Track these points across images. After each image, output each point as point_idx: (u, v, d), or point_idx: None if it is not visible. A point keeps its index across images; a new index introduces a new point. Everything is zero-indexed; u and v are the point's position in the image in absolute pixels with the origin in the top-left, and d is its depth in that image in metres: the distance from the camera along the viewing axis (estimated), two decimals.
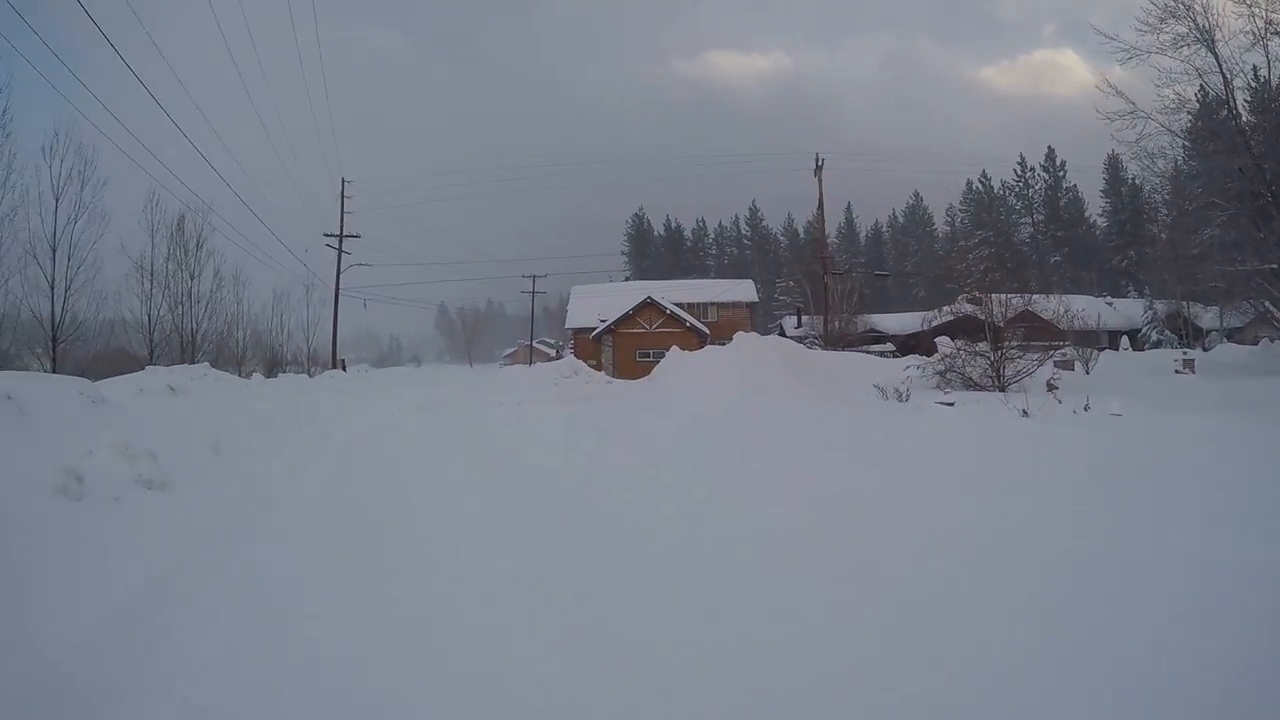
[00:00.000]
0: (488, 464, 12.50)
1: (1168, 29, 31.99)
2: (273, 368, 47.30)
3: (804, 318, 68.15)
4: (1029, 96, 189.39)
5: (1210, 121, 35.90)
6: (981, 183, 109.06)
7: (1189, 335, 52.65)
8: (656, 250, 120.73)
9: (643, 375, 40.32)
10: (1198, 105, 35.37)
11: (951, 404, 17.38)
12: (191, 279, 39.23)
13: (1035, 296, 30.68)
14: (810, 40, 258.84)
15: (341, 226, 49.47)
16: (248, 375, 34.20)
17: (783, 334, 73.09)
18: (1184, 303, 55.54)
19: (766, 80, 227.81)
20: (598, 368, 44.01)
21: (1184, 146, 42.73)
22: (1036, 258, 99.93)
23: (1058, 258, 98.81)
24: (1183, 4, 31.29)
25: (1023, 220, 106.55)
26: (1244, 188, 33.71)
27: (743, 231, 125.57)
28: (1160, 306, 59.75)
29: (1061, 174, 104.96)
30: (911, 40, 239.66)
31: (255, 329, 49.80)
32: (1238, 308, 49.91)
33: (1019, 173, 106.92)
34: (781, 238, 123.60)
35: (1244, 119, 34.41)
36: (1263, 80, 33.61)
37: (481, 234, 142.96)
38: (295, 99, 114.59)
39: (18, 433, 8.99)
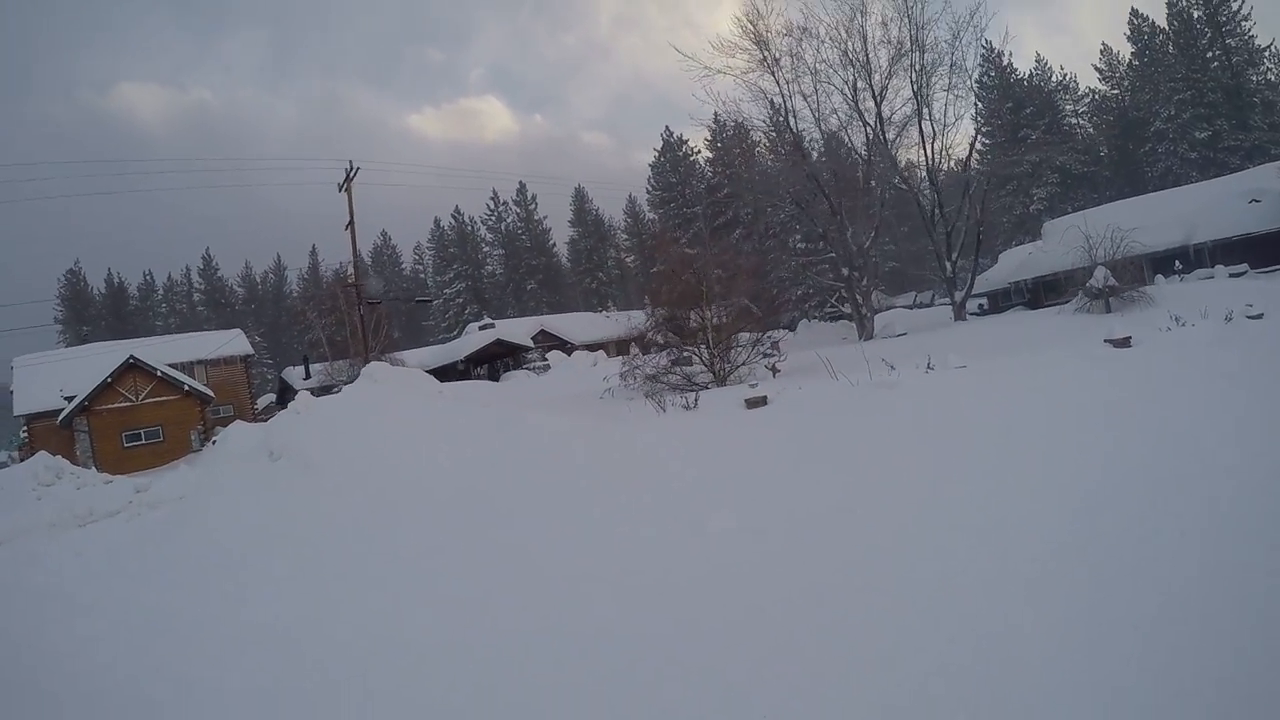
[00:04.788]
0: None
1: (741, 56, 40.04)
2: None
3: (311, 366, 58.48)
4: (465, 141, 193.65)
5: (780, 134, 43.72)
6: (455, 218, 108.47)
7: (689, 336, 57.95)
8: (97, 313, 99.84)
9: (137, 467, 29.99)
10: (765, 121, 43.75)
11: (765, 399, 15.43)
12: None
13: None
14: (239, 81, 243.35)
15: None
16: None
17: (285, 388, 62.88)
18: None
19: (189, 119, 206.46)
20: (76, 464, 30.83)
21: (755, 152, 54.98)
22: (514, 286, 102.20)
23: (533, 284, 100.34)
24: (756, 34, 39.70)
25: (497, 252, 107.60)
26: (805, 190, 41.98)
27: (195, 283, 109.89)
28: (660, 313, 63.26)
29: (533, 206, 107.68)
30: (346, 84, 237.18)
31: None
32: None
33: (492, 207, 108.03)
34: (239, 288, 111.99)
35: (799, 134, 42.25)
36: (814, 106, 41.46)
37: None
38: None
39: None
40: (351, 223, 39.94)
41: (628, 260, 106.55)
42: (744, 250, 50.51)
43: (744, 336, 26.35)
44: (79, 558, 12.53)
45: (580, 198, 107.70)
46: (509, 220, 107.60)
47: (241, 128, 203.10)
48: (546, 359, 54.31)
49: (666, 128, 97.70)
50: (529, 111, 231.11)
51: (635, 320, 61.82)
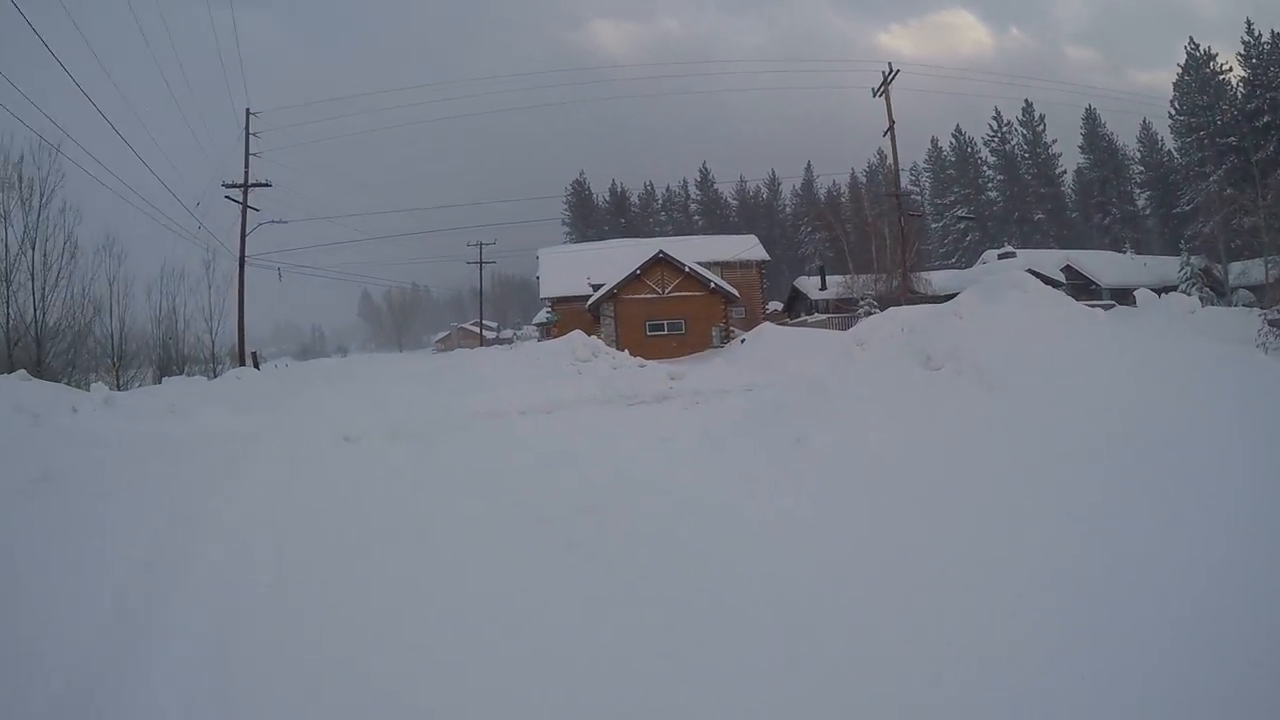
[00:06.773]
0: None
1: None
2: (165, 368, 34.36)
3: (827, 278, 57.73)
4: (934, 59, 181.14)
5: None
6: (955, 137, 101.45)
7: (1227, 291, 50.06)
8: (600, 217, 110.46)
9: (655, 355, 29.93)
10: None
11: None
12: (33, 248, 27.62)
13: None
14: (705, 9, 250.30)
15: (246, 172, 36.91)
16: (109, 384, 22.45)
17: (796, 296, 62.78)
18: (1213, 261, 54.65)
19: (652, 48, 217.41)
20: None
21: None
22: (1019, 215, 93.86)
23: (1040, 215, 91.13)
24: None
25: (999, 177, 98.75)
26: None
27: (691, 194, 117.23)
28: (1195, 262, 55.00)
29: (1040, 128, 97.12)
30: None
31: (135, 316, 36.68)
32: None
33: (994, 128, 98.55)
34: (732, 200, 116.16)
35: None
36: None
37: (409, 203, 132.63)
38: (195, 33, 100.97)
39: None
40: (891, 128, 37.94)
41: (1140, 197, 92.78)
42: None
43: None
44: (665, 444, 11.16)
45: (1092, 120, 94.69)
46: (1014, 142, 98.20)
47: (702, 54, 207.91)
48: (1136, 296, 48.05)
49: (1190, 39, 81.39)
50: (1003, 24, 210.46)
51: (1164, 267, 53.37)
